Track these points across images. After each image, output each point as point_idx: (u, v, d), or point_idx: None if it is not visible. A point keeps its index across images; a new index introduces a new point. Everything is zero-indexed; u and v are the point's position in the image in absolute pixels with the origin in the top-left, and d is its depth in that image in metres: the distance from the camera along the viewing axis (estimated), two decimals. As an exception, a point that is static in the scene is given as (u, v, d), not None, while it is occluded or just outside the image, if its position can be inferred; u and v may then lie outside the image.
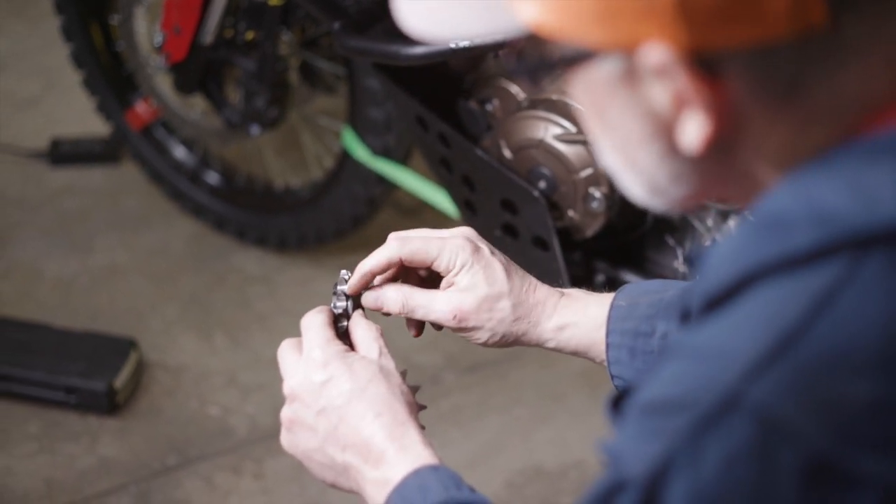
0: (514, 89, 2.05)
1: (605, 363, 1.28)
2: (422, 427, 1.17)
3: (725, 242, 0.87)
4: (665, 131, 0.85)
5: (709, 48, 0.80)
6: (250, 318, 2.57)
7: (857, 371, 0.79)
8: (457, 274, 1.26)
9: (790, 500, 0.80)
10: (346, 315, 1.25)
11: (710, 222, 1.99)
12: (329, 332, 1.21)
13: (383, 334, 1.22)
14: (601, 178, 1.98)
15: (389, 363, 1.19)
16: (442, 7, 0.89)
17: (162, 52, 2.50)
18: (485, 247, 1.28)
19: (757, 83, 0.82)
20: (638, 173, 0.89)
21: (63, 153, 2.93)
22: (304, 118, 2.66)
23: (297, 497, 2.22)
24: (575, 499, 0.97)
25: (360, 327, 1.23)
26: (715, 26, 0.79)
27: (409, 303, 1.27)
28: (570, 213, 2.03)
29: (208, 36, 2.44)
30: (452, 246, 1.26)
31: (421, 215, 2.66)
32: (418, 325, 1.32)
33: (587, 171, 1.99)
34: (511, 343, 1.29)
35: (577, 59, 0.84)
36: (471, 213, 2.15)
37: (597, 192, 1.99)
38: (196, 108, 2.66)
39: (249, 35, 2.45)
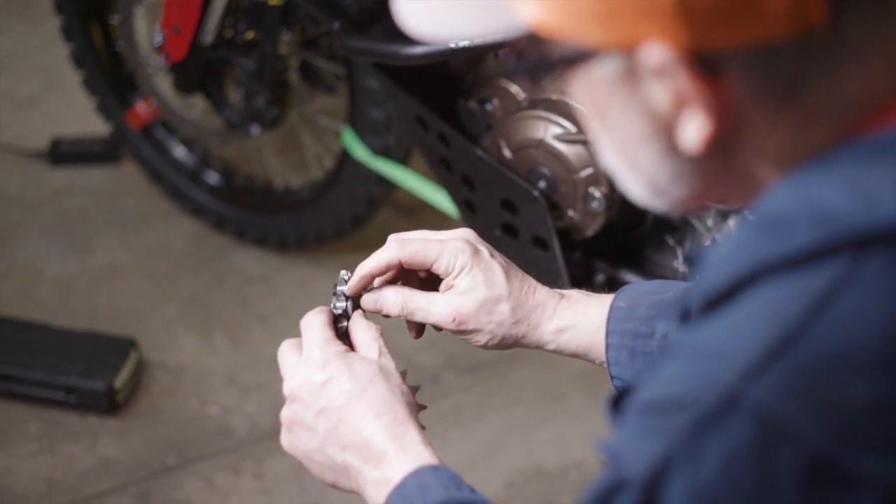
0: (514, 89, 2.05)
1: (605, 364, 1.28)
2: (422, 427, 1.17)
3: (725, 242, 0.87)
4: (665, 131, 0.85)
5: (709, 48, 0.80)
6: (250, 318, 2.57)
7: (857, 371, 0.79)
8: (456, 276, 1.26)
9: (790, 500, 0.80)
10: (345, 315, 1.26)
11: (710, 222, 1.99)
12: (329, 333, 1.21)
13: (383, 334, 1.22)
14: (601, 177, 1.98)
15: (389, 363, 1.19)
16: (442, 7, 0.89)
17: (162, 52, 2.50)
18: (484, 249, 1.28)
19: (757, 83, 0.82)
20: (638, 173, 0.89)
21: (63, 153, 2.93)
22: (304, 118, 2.66)
23: (297, 497, 2.22)
24: (575, 498, 0.97)
25: (359, 328, 1.23)
26: (715, 26, 0.79)
27: (409, 305, 1.27)
28: (570, 212, 2.03)
29: (208, 36, 2.44)
30: (452, 248, 1.26)
31: (421, 215, 2.66)
32: (418, 327, 1.32)
33: (587, 171, 1.99)
34: (510, 345, 1.29)
35: (577, 58, 0.84)
36: (471, 213, 2.15)
37: (597, 192, 1.99)
38: (196, 107, 2.66)
39: (249, 35, 2.46)
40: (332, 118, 2.63)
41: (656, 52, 0.81)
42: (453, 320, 1.26)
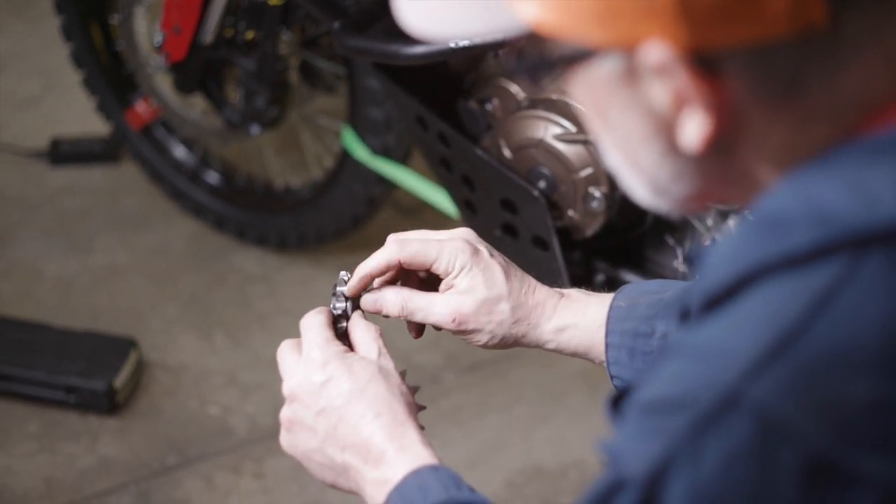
0: (514, 89, 2.05)
1: (605, 364, 1.28)
2: (421, 427, 1.17)
3: (725, 242, 0.87)
4: (665, 130, 0.85)
5: (709, 47, 0.80)
6: (250, 318, 2.57)
7: (857, 370, 0.79)
8: (456, 277, 1.26)
9: (790, 500, 0.80)
10: (345, 316, 1.26)
11: (709, 222, 2.00)
12: (328, 333, 1.21)
13: (382, 335, 1.22)
14: (601, 177, 1.98)
15: (389, 363, 1.19)
16: (442, 6, 0.89)
17: (162, 52, 2.50)
18: (484, 249, 1.28)
19: (757, 82, 0.82)
20: (640, 172, 0.89)
21: (63, 153, 2.93)
22: (304, 118, 2.66)
23: (297, 497, 2.22)
24: (575, 498, 0.97)
25: (359, 328, 1.23)
26: (715, 25, 0.79)
27: (409, 305, 1.27)
28: (570, 212, 2.03)
29: (208, 35, 2.44)
30: (451, 248, 1.26)
31: (421, 215, 2.66)
32: (418, 327, 1.32)
33: (587, 171, 1.99)
34: (510, 345, 1.29)
35: (577, 58, 0.84)
36: (471, 213, 2.15)
37: (596, 192, 1.99)
38: (196, 107, 2.66)
39: (249, 35, 2.46)
40: (332, 118, 2.63)
41: (656, 52, 0.81)
42: (453, 320, 1.26)
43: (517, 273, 1.29)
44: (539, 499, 2.23)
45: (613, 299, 1.29)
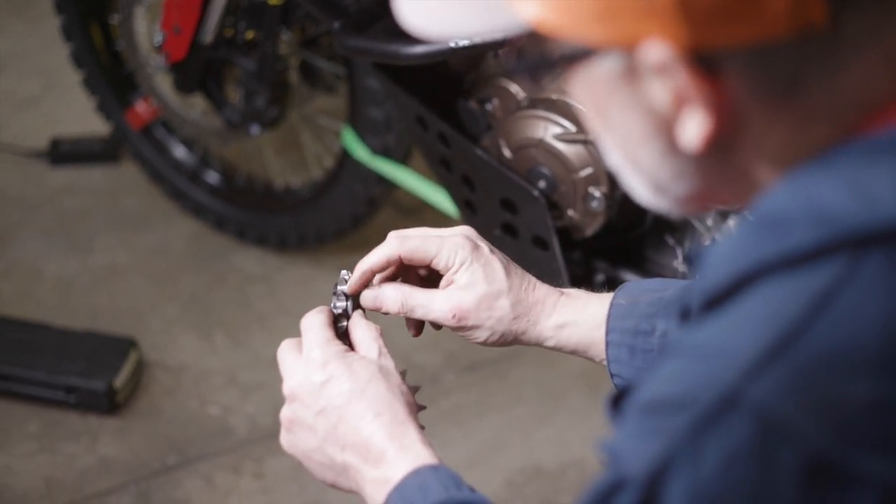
0: (514, 89, 2.05)
1: (605, 362, 1.28)
2: (421, 427, 1.17)
3: (725, 242, 0.87)
4: (665, 129, 0.85)
5: (709, 46, 0.80)
6: (250, 318, 2.57)
7: (857, 370, 0.79)
8: (456, 272, 1.26)
9: (789, 500, 0.80)
10: (345, 315, 1.26)
11: (709, 222, 2.00)
12: (329, 333, 1.21)
13: (383, 334, 1.22)
14: (601, 177, 1.98)
15: (389, 363, 1.19)
16: (442, 6, 0.89)
17: (162, 52, 2.50)
18: (484, 245, 1.28)
19: (756, 82, 0.82)
20: (640, 172, 0.89)
21: (63, 153, 2.93)
22: (303, 118, 2.66)
23: (297, 497, 2.22)
24: (574, 498, 0.97)
25: (359, 327, 1.23)
26: (715, 25, 0.79)
27: (409, 302, 1.27)
28: (570, 212, 2.03)
29: (208, 35, 2.44)
30: (451, 244, 1.27)
31: (421, 215, 2.66)
32: (418, 325, 1.32)
33: (587, 171, 1.99)
34: (510, 342, 1.29)
35: (577, 57, 0.84)
36: (470, 213, 2.15)
37: (596, 192, 1.99)
38: (196, 107, 2.66)
39: (249, 34, 2.46)
40: (332, 118, 2.63)
41: (656, 51, 0.81)
42: (453, 316, 1.26)
43: (517, 270, 1.29)
44: (539, 498, 2.23)
45: (614, 297, 1.29)
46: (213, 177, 2.76)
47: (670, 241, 2.06)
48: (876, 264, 0.80)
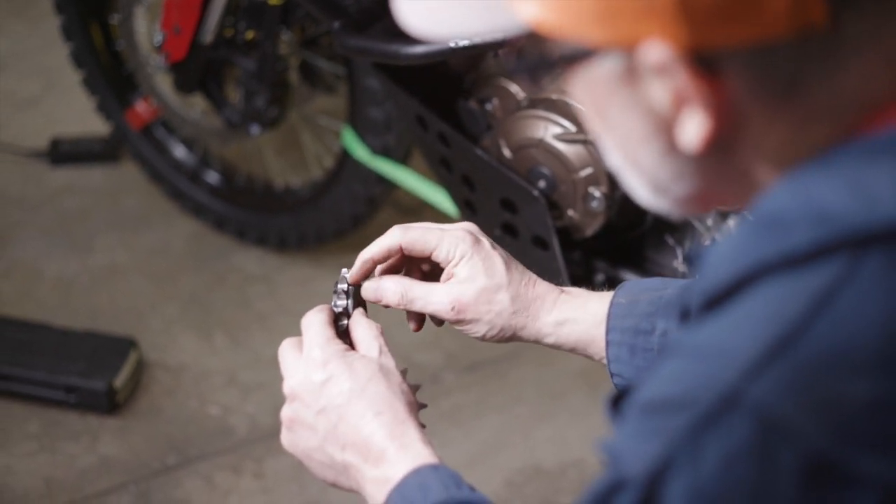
0: (514, 89, 2.05)
1: (605, 360, 1.28)
2: (422, 426, 1.17)
3: (725, 242, 0.87)
4: (665, 130, 0.85)
5: (708, 47, 0.80)
6: (250, 318, 2.57)
7: (857, 370, 0.79)
8: (456, 265, 1.27)
9: (789, 500, 0.80)
10: (346, 314, 1.26)
11: (709, 222, 2.00)
12: (329, 332, 1.21)
13: (384, 333, 1.22)
14: (601, 177, 1.98)
15: (389, 362, 1.19)
16: (442, 6, 0.89)
17: (162, 52, 2.50)
18: (485, 240, 1.29)
19: (756, 82, 0.82)
20: (640, 172, 0.89)
21: (63, 153, 2.93)
22: (303, 118, 2.66)
23: (297, 496, 2.22)
24: (574, 498, 0.97)
25: (360, 326, 1.23)
26: (715, 25, 0.79)
27: (409, 294, 1.28)
28: (570, 212, 2.03)
29: (208, 35, 2.44)
30: (452, 237, 1.27)
31: (421, 215, 2.66)
32: (418, 319, 1.32)
33: (587, 171, 1.99)
34: (509, 338, 1.29)
35: (577, 57, 0.84)
36: (470, 213, 2.15)
37: (596, 192, 1.99)
38: (196, 107, 2.66)
39: (249, 34, 2.46)
40: (332, 118, 2.63)
41: (656, 51, 0.81)
42: (452, 308, 1.26)
43: (517, 266, 1.29)
44: (539, 498, 2.23)
45: (614, 296, 1.29)
46: (213, 177, 2.76)
47: (670, 241, 2.06)
48: (876, 264, 0.80)
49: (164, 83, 2.65)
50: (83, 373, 2.33)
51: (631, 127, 0.86)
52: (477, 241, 1.28)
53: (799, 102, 0.83)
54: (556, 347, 1.30)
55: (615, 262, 2.10)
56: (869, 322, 0.79)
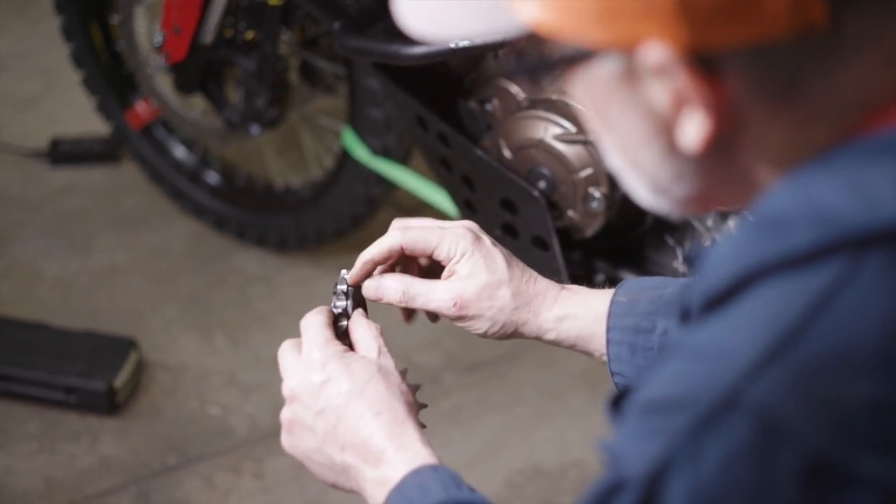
0: (514, 89, 2.05)
1: (605, 358, 1.28)
2: (422, 426, 1.17)
3: (725, 242, 0.87)
4: (665, 130, 0.85)
5: (708, 47, 0.80)
6: (250, 318, 2.57)
7: (857, 371, 0.79)
8: (457, 262, 1.27)
9: (789, 500, 0.80)
10: (345, 314, 1.26)
11: (709, 223, 2.00)
12: (328, 333, 1.21)
13: (383, 333, 1.22)
14: (601, 177, 1.98)
15: (388, 362, 1.19)
16: (442, 7, 0.89)
17: (162, 52, 2.50)
18: (486, 237, 1.30)
19: (756, 82, 0.82)
20: (640, 173, 0.89)
21: (63, 153, 2.93)
22: (304, 118, 2.66)
23: (297, 497, 2.22)
24: (574, 498, 0.97)
25: (359, 326, 1.23)
26: (714, 25, 0.79)
27: (410, 291, 1.28)
28: (570, 212, 2.03)
29: (208, 35, 2.44)
30: (453, 235, 1.28)
31: (421, 215, 2.63)
32: (410, 311, 1.33)
33: (587, 171, 1.99)
34: (511, 334, 1.29)
35: (576, 58, 0.84)
36: (471, 213, 2.15)
37: (596, 192, 1.99)
38: (196, 107, 2.66)
39: (249, 35, 2.46)
40: (332, 118, 2.63)
41: (656, 52, 0.81)
42: (454, 304, 1.26)
43: (518, 263, 1.30)
44: (539, 499, 2.23)
45: (614, 294, 1.29)
46: (213, 177, 2.76)
47: (670, 241, 2.06)
48: (876, 265, 0.80)
49: (164, 83, 2.65)
50: (83, 373, 2.33)
51: (631, 128, 0.86)
52: (477, 238, 1.29)
53: (799, 102, 0.83)
54: (556, 344, 1.30)
55: (615, 263, 2.10)
56: (869, 323, 0.79)
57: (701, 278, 0.88)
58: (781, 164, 0.85)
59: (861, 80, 0.83)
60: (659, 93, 0.83)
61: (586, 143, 1.97)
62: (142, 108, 2.76)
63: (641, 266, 2.09)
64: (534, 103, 2.02)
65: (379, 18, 2.03)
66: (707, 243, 1.99)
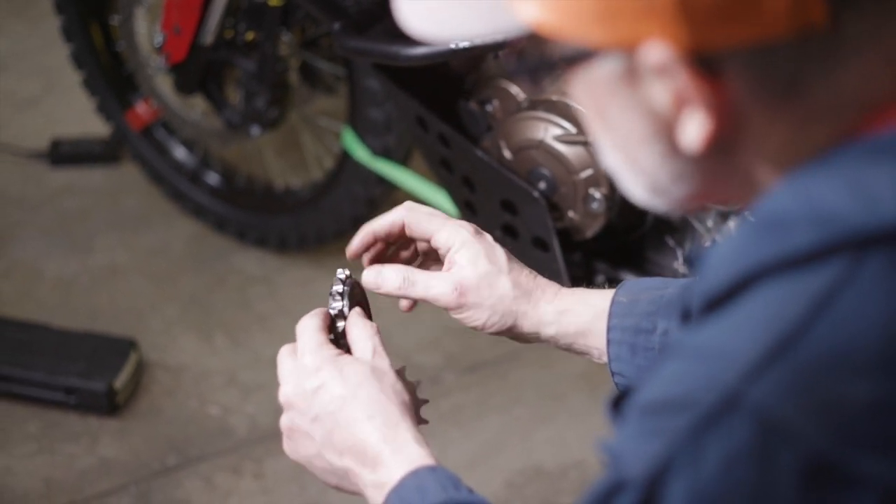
0: (515, 90, 2.05)
1: (602, 359, 1.28)
2: (425, 422, 1.17)
3: (725, 243, 0.88)
4: (666, 131, 0.85)
5: (709, 47, 0.80)
6: (250, 319, 2.57)
7: (857, 371, 0.79)
8: (457, 251, 1.27)
9: (789, 501, 0.81)
10: (342, 315, 1.25)
11: (709, 223, 2.00)
12: (321, 337, 1.20)
13: (380, 332, 1.22)
14: (601, 178, 1.98)
15: (383, 362, 1.18)
16: (442, 7, 0.89)
17: (162, 53, 2.50)
18: (486, 235, 1.30)
19: (757, 82, 0.82)
20: (639, 173, 0.89)
21: (63, 153, 2.93)
22: (304, 119, 2.66)
23: (297, 497, 2.22)
24: (575, 499, 0.97)
25: (355, 327, 1.23)
26: (715, 25, 0.79)
27: (410, 277, 1.27)
28: (570, 213, 2.03)
29: (208, 36, 2.44)
30: (455, 225, 1.29)
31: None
32: (411, 302, 1.33)
33: (587, 172, 1.99)
34: (511, 326, 1.28)
35: (577, 58, 0.84)
36: (471, 214, 2.15)
37: (597, 193, 1.99)
38: (196, 108, 2.66)
39: (249, 36, 2.46)
40: (332, 119, 2.63)
41: (656, 52, 0.81)
42: (455, 290, 1.26)
43: (518, 261, 1.30)
44: (539, 499, 2.23)
45: (615, 294, 1.29)
46: (213, 178, 2.76)
47: (671, 242, 2.06)
48: (876, 265, 0.80)
49: (164, 84, 2.65)
50: (83, 373, 2.33)
51: (631, 128, 0.86)
52: (478, 232, 1.30)
53: (799, 103, 0.83)
54: (555, 341, 1.29)
55: (615, 264, 2.10)
56: (870, 323, 0.80)
57: (701, 279, 0.88)
58: (782, 165, 0.85)
59: (861, 80, 0.83)
60: (659, 93, 0.83)
61: (587, 144, 1.97)
62: (142, 108, 2.76)
63: (642, 267, 2.09)
64: (534, 104, 2.02)
65: (379, 19, 2.03)
66: (707, 244, 1.99)
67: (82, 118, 2.97)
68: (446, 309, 1.28)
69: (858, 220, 0.81)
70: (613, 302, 1.28)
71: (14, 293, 2.60)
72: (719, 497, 0.81)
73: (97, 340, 2.40)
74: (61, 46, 2.78)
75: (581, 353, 1.30)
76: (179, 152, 2.78)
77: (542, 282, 1.30)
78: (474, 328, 1.29)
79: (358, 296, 1.27)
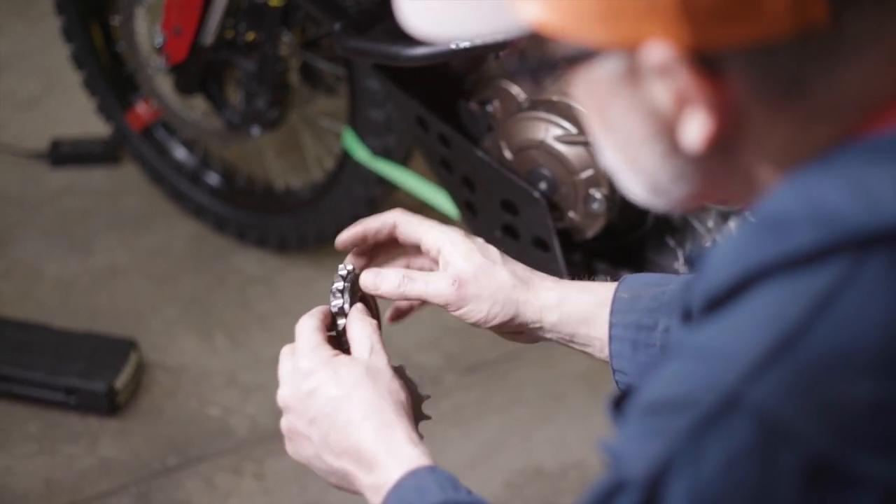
0: (515, 90, 2.05)
1: (604, 352, 1.27)
2: (427, 417, 1.16)
3: (726, 243, 0.87)
4: (667, 130, 0.85)
5: (710, 47, 0.80)
6: (251, 319, 2.57)
7: (858, 372, 0.79)
8: (450, 249, 1.27)
9: (790, 501, 0.81)
10: (342, 313, 1.25)
11: (710, 223, 2.00)
12: (318, 337, 1.20)
13: (381, 328, 1.22)
14: (602, 179, 1.98)
15: (380, 361, 1.18)
16: (444, 7, 0.89)
17: (162, 53, 2.50)
18: (478, 237, 1.30)
19: (758, 81, 0.82)
20: (639, 173, 0.89)
21: (63, 154, 2.93)
22: (304, 119, 2.66)
23: (298, 497, 2.22)
24: (575, 499, 0.97)
25: (354, 325, 1.22)
26: (716, 25, 0.79)
27: (409, 275, 1.27)
28: (571, 214, 2.03)
29: (209, 37, 2.44)
30: (444, 228, 1.30)
31: (421, 216, 2.66)
32: (403, 313, 1.34)
33: (588, 173, 1.99)
34: (513, 317, 1.26)
35: (578, 58, 0.84)
36: (471, 214, 2.15)
37: (597, 194, 1.99)
38: (196, 108, 2.66)
39: (250, 36, 2.45)
40: (332, 119, 2.63)
41: (658, 52, 0.81)
42: (454, 282, 1.25)
43: (511, 258, 1.30)
44: (539, 499, 2.23)
45: (616, 290, 1.28)
46: (213, 178, 2.76)
47: (671, 242, 2.06)
48: (877, 265, 0.80)
49: (164, 84, 2.65)
50: (83, 374, 2.33)
51: (632, 128, 0.86)
52: (469, 235, 1.30)
53: (801, 102, 0.83)
54: (557, 332, 1.28)
55: (616, 264, 2.10)
56: (871, 323, 0.80)
57: (702, 279, 0.88)
58: (783, 164, 0.85)
59: (862, 79, 0.83)
60: (661, 93, 0.83)
61: (587, 144, 1.97)
62: (142, 109, 2.76)
63: (642, 267, 2.09)
64: (535, 104, 2.02)
65: (379, 19, 2.03)
66: (708, 244, 1.99)
67: (82, 118, 2.97)
68: (447, 307, 1.27)
69: (859, 220, 0.81)
70: (615, 298, 1.27)
71: (14, 293, 2.60)
72: (720, 497, 0.81)
73: (97, 341, 2.40)
74: (61, 47, 2.78)
75: (582, 347, 1.28)
76: (180, 152, 2.78)
77: (540, 273, 1.29)
78: (476, 324, 1.27)
79: (360, 290, 1.27)
